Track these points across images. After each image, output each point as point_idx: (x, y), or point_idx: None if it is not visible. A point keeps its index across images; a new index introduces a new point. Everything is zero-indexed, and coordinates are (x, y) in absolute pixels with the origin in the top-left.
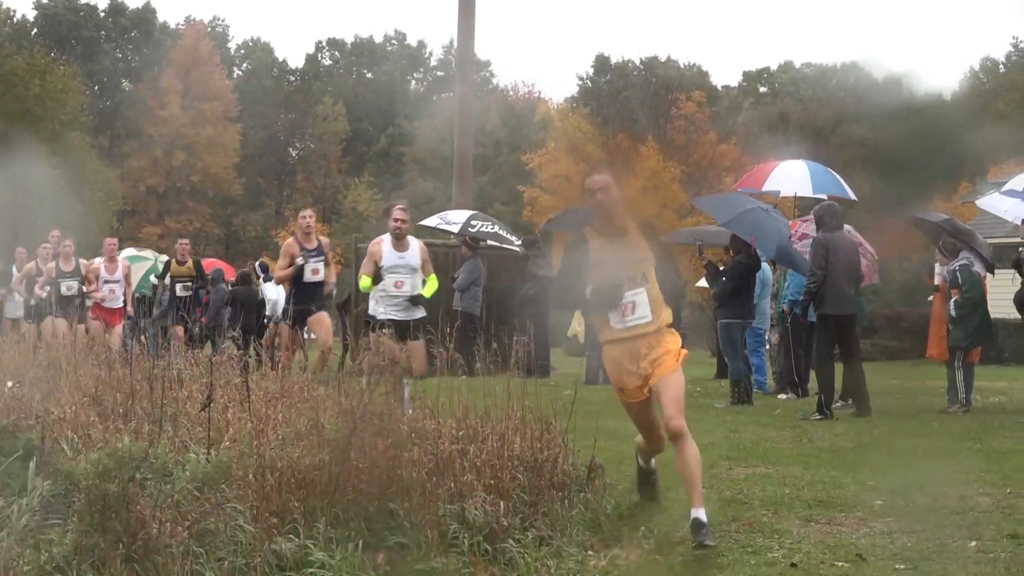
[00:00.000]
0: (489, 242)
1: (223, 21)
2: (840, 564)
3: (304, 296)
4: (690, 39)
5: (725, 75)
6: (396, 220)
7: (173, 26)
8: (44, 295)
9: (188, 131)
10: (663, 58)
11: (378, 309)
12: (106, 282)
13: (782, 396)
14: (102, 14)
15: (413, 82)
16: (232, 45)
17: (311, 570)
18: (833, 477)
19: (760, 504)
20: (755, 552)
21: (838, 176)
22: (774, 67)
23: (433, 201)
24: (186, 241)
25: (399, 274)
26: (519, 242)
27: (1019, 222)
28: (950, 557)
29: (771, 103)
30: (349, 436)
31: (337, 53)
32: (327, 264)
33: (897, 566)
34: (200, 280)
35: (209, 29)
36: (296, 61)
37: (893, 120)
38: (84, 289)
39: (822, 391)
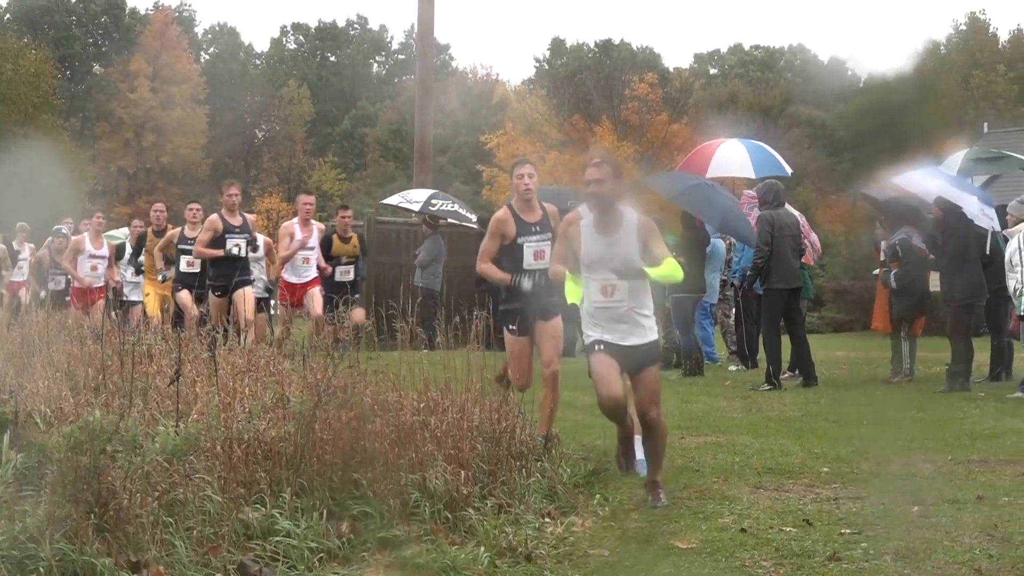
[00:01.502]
0: (449, 220)
1: (190, 6)
2: (788, 529)
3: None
4: (643, 22)
5: (677, 57)
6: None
7: (142, 12)
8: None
9: (157, 113)
10: (617, 41)
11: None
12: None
13: (732, 368)
14: (73, 0)
15: (375, 65)
16: (199, 30)
17: (277, 538)
18: (781, 445)
19: (711, 472)
20: (706, 518)
21: (773, 152)
22: (724, 49)
23: (395, 180)
24: (349, 213)
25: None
26: (477, 220)
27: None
28: (893, 521)
29: (721, 84)
30: (314, 409)
31: (301, 37)
32: None
33: (843, 530)
34: (362, 260)
35: (177, 14)
36: (262, 45)
37: (838, 100)
38: (254, 251)
39: (770, 362)
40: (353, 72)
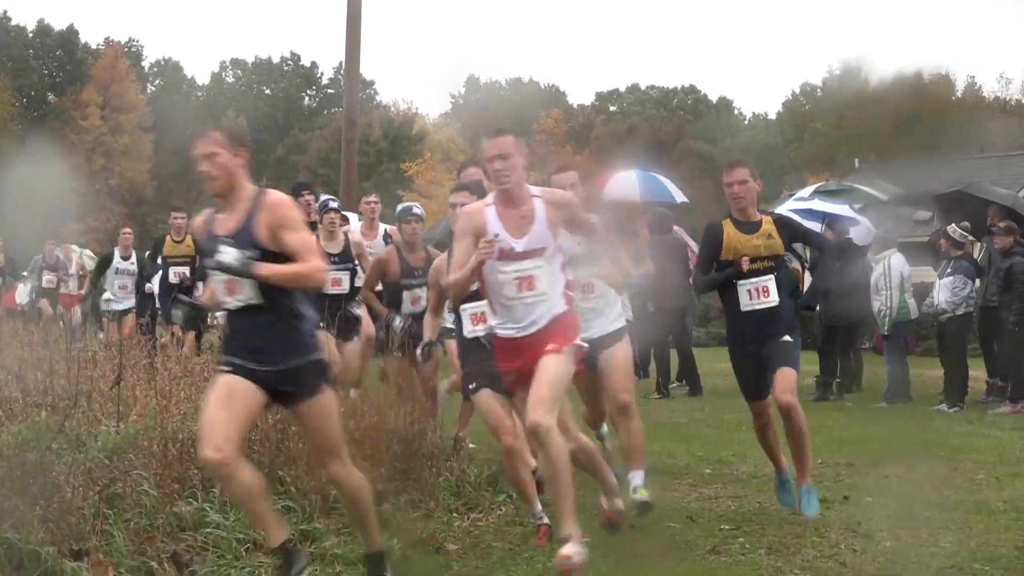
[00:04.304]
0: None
1: (138, 42)
2: (673, 524)
3: None
4: (549, 63)
5: (580, 95)
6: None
7: (94, 46)
8: None
9: (107, 139)
10: (526, 79)
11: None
12: None
13: None
14: (30, 35)
15: (306, 98)
16: (146, 63)
17: (207, 530)
18: (669, 448)
19: None
20: (598, 515)
21: (666, 181)
22: (623, 88)
23: None
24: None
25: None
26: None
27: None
28: (768, 519)
29: (620, 120)
30: None
31: (239, 72)
32: None
33: (722, 526)
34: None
35: (126, 49)
36: (203, 78)
37: (725, 135)
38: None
39: (660, 373)
40: (286, 104)
